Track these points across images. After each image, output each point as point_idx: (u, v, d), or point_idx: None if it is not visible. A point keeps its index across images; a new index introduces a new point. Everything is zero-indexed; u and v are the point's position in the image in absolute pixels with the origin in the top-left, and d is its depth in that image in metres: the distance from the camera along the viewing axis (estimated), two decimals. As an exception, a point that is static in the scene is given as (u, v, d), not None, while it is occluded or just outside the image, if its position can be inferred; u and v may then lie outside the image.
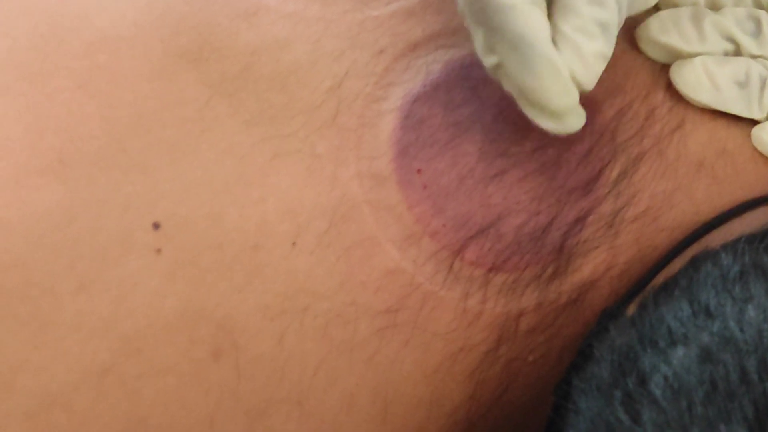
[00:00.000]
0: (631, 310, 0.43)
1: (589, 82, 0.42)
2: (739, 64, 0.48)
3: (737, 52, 0.49)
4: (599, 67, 0.42)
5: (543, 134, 0.46)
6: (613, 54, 0.48)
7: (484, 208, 0.46)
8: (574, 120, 0.43)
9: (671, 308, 0.39)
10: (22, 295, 0.42)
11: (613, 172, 0.47)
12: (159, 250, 0.43)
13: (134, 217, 0.43)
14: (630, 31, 0.50)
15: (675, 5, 0.50)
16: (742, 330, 0.36)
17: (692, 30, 0.49)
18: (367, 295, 0.44)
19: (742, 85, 0.48)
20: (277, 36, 0.47)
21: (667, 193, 0.47)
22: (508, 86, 0.43)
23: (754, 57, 0.48)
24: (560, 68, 0.41)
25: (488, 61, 0.43)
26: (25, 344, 0.42)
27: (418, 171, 0.46)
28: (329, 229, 0.44)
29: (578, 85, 0.42)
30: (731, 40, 0.48)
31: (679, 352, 0.36)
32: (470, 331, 0.45)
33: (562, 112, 0.42)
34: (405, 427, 0.46)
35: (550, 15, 0.42)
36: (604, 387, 0.38)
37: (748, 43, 0.48)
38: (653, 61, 0.50)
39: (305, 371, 0.44)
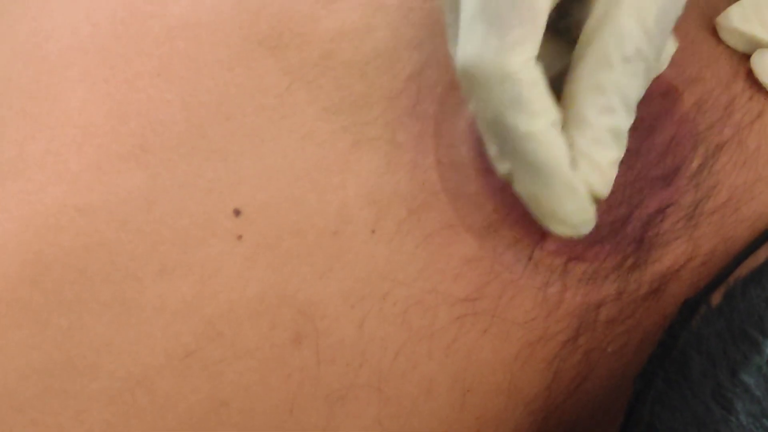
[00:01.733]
0: (715, 300, 0.42)
1: (605, 190, 0.41)
2: (821, 54, 0.47)
3: (819, 42, 0.48)
4: (613, 174, 0.41)
5: None
6: (693, 42, 0.48)
7: None
8: (587, 228, 0.42)
9: (761, 297, 0.38)
10: (105, 278, 0.42)
11: (694, 163, 0.47)
12: (240, 236, 0.43)
13: (215, 203, 0.43)
14: (710, 20, 0.49)
15: (756, -6, 0.49)
16: None
17: None
18: (446, 282, 0.44)
19: (825, 75, 0.47)
20: (356, 23, 0.47)
21: (748, 184, 0.47)
22: (519, 194, 0.42)
23: (837, 46, 0.48)
24: (580, 191, 0.40)
25: (501, 168, 0.41)
26: (109, 327, 0.42)
27: None
28: (408, 216, 0.44)
29: (595, 195, 0.41)
30: (814, 29, 0.48)
31: None
32: (549, 321, 0.45)
33: (578, 226, 0.41)
34: (483, 414, 0.46)
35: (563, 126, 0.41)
36: (693, 377, 0.38)
37: None
38: (733, 50, 0.49)
39: (385, 357, 0.44)
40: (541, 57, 0.39)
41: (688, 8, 0.48)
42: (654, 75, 0.43)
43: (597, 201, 0.42)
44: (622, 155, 0.42)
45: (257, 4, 0.47)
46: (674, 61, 0.47)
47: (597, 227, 0.44)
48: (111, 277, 0.42)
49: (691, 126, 0.47)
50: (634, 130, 0.44)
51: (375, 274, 0.44)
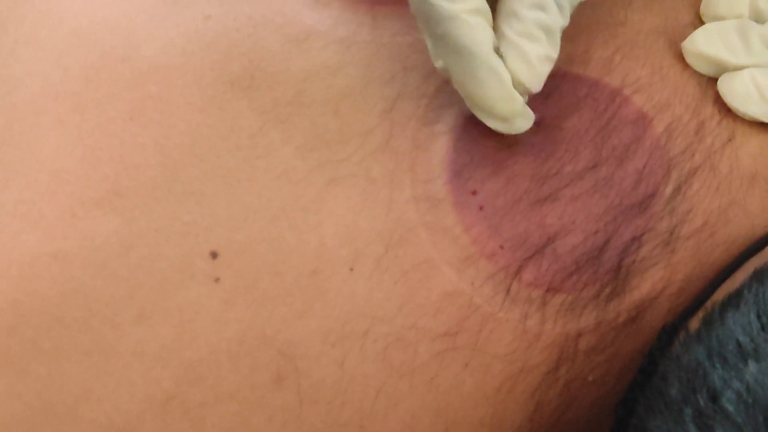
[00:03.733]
0: (694, 325, 0.42)
1: (535, 84, 0.44)
2: (787, 76, 0.48)
3: (784, 64, 0.49)
4: (545, 69, 0.44)
5: (595, 153, 0.46)
6: (661, 68, 0.48)
7: (540, 229, 0.46)
8: (522, 122, 0.44)
9: (739, 323, 0.39)
10: (83, 325, 0.42)
11: (667, 189, 0.47)
12: (218, 279, 0.43)
13: (192, 246, 0.43)
14: (677, 45, 0.50)
15: (720, 18, 0.50)
16: None
17: (739, 42, 0.49)
18: (426, 317, 0.44)
19: (791, 96, 0.48)
20: (328, 61, 0.47)
21: (722, 208, 0.47)
22: (456, 88, 0.44)
23: (801, 69, 0.48)
24: (503, 76, 0.43)
25: (438, 64, 0.44)
26: (88, 374, 0.42)
27: (473, 192, 0.46)
28: (386, 252, 0.44)
29: (524, 88, 0.43)
30: (778, 52, 0.48)
31: (752, 367, 0.36)
32: (530, 352, 0.45)
33: (508, 117, 0.44)
34: None
35: (495, 21, 0.44)
36: (673, 404, 0.38)
37: None
38: (701, 75, 0.50)
39: (367, 395, 0.44)
40: None
41: (654, 35, 0.49)
42: None
43: (527, 94, 0.44)
44: (555, 55, 0.44)
45: (228, 45, 0.47)
46: (643, 88, 0.48)
47: (573, 258, 0.45)
48: (89, 323, 0.42)
49: (662, 152, 0.47)
50: (606, 158, 0.45)
51: (354, 312, 0.44)
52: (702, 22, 0.51)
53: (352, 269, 0.44)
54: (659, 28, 0.50)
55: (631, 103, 0.48)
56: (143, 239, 0.43)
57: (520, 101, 0.43)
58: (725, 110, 0.49)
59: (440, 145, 0.46)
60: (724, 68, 0.49)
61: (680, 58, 0.50)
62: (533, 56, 0.43)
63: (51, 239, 0.43)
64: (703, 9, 0.51)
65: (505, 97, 0.43)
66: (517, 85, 0.43)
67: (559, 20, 0.44)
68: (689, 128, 0.48)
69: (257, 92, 0.46)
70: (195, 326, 0.43)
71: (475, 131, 0.46)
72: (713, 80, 0.50)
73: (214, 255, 0.43)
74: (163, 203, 0.44)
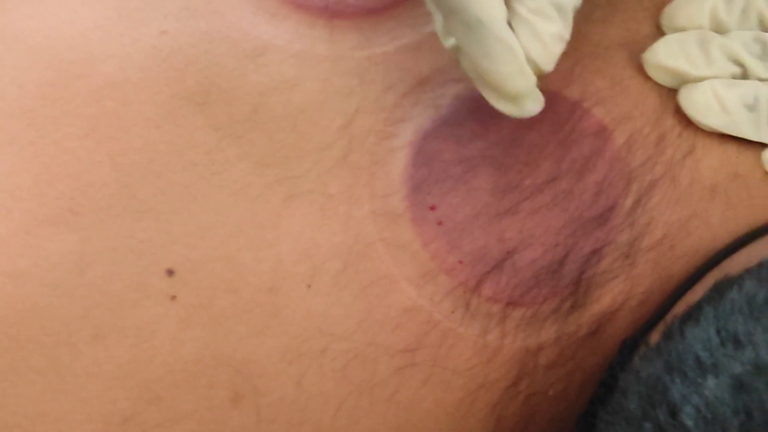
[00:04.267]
0: (654, 338, 0.42)
1: (547, 63, 0.42)
2: (748, 87, 0.48)
3: (744, 75, 0.49)
4: (557, 48, 0.43)
5: (555, 166, 0.46)
6: (621, 80, 0.48)
7: (500, 243, 0.45)
8: (532, 104, 0.43)
9: (698, 337, 0.39)
10: (38, 345, 0.42)
11: (627, 201, 0.47)
12: (174, 297, 0.43)
13: (148, 264, 0.43)
14: (636, 57, 0.50)
15: (681, 29, 0.50)
16: None
17: (699, 54, 0.48)
18: (385, 334, 0.44)
19: (751, 108, 0.48)
20: (285, 76, 0.47)
21: (683, 220, 0.47)
22: (466, 68, 0.43)
23: (761, 80, 0.48)
24: (515, 50, 0.41)
25: (447, 42, 0.43)
26: (44, 394, 0.41)
27: (432, 207, 0.45)
28: (345, 269, 0.44)
29: (536, 66, 0.42)
30: (738, 63, 0.48)
31: (710, 382, 0.36)
32: (490, 368, 0.45)
33: (518, 95, 0.42)
34: None
35: None
36: (633, 419, 0.38)
37: (755, 66, 0.48)
38: (661, 86, 0.49)
39: (326, 413, 0.43)
40: None
41: (615, 47, 0.49)
42: None
43: (540, 75, 0.42)
44: (567, 35, 0.43)
45: (184, 61, 0.47)
46: (603, 100, 0.48)
47: (533, 272, 0.45)
48: (44, 343, 0.42)
49: (622, 165, 0.47)
50: (566, 171, 0.45)
51: (312, 329, 0.43)
52: (662, 34, 0.51)
53: (309, 286, 0.44)
54: (620, 40, 0.50)
55: (591, 116, 0.48)
56: (99, 258, 0.43)
57: (532, 78, 0.42)
58: (686, 122, 0.49)
59: (399, 159, 0.46)
60: (685, 80, 0.49)
61: (641, 69, 0.50)
62: (546, 34, 0.42)
63: (6, 258, 0.43)
64: (663, 20, 0.51)
65: (518, 72, 0.42)
66: (529, 62, 0.42)
67: (572, 1, 0.43)
68: (650, 140, 0.48)
69: (213, 108, 0.46)
70: (152, 345, 0.42)
71: (434, 145, 0.46)
72: (674, 92, 0.49)
73: (170, 273, 0.43)
74: (119, 221, 0.43)
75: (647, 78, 0.50)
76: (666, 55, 0.49)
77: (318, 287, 0.44)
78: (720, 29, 0.50)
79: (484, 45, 0.41)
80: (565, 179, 0.46)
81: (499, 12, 0.41)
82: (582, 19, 0.50)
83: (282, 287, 0.43)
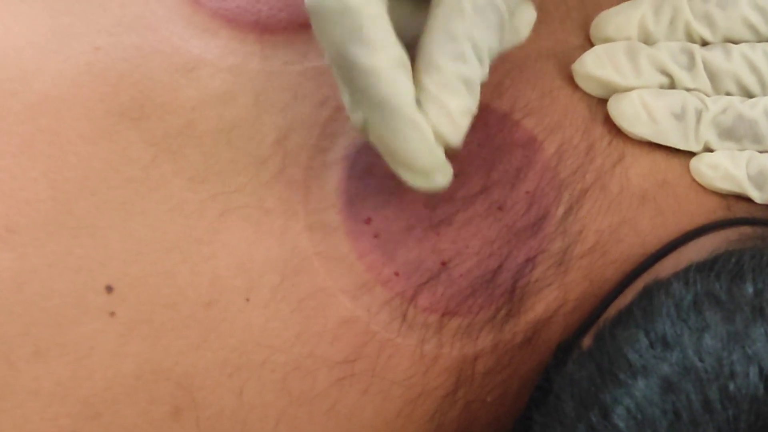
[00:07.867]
0: (586, 342, 0.43)
1: (457, 138, 0.42)
2: (675, 96, 0.49)
3: (672, 85, 0.50)
4: (465, 123, 0.42)
5: (487, 177, 0.46)
6: (551, 91, 0.49)
7: (435, 254, 0.46)
8: (441, 177, 0.42)
9: (628, 340, 0.39)
10: None
11: (559, 210, 0.48)
12: (113, 313, 0.43)
13: (86, 280, 0.43)
14: (566, 68, 0.50)
15: (610, 40, 0.51)
16: (701, 359, 0.36)
17: (627, 64, 0.49)
18: (323, 345, 0.44)
19: (679, 117, 0.49)
20: (218, 90, 0.47)
21: (613, 227, 0.48)
22: (375, 143, 0.42)
23: (688, 90, 0.49)
24: (424, 130, 0.41)
25: (355, 117, 0.42)
26: None
27: (367, 220, 0.46)
28: (282, 282, 0.44)
29: (445, 142, 0.41)
30: (666, 73, 0.49)
31: (640, 383, 0.37)
32: (428, 377, 0.46)
33: (428, 171, 0.42)
34: None
35: (414, 71, 0.42)
36: (567, 421, 0.38)
37: (682, 77, 0.49)
38: (590, 96, 0.50)
39: (266, 425, 0.44)
40: (401, 18, 0.41)
41: (544, 58, 0.50)
42: (512, 40, 0.44)
43: (448, 148, 0.42)
44: (475, 108, 0.42)
45: (117, 76, 0.47)
46: (533, 111, 0.49)
47: (468, 282, 0.45)
48: None
49: (553, 174, 0.48)
50: (497, 181, 0.45)
51: (251, 342, 0.44)
52: (591, 45, 0.51)
53: (248, 299, 0.44)
54: (549, 51, 0.51)
55: (521, 127, 0.48)
56: (37, 275, 0.43)
57: (441, 154, 0.42)
58: (615, 131, 0.50)
59: (333, 173, 0.46)
60: (614, 90, 0.50)
61: (570, 80, 0.50)
62: (455, 110, 0.41)
63: None
64: (592, 31, 0.52)
65: (427, 151, 0.41)
66: (438, 138, 0.41)
67: (479, 72, 0.42)
68: (579, 149, 0.49)
69: (147, 123, 0.46)
70: (91, 361, 0.42)
71: (368, 159, 0.46)
72: (603, 102, 0.50)
73: (108, 289, 0.43)
74: (56, 238, 0.43)
75: (576, 88, 0.50)
76: (595, 66, 0.49)
77: (256, 301, 0.44)
78: (648, 40, 0.50)
79: (393, 125, 0.40)
80: (497, 190, 0.47)
81: (407, 92, 0.40)
82: (511, 32, 0.51)
83: (220, 301, 0.44)
